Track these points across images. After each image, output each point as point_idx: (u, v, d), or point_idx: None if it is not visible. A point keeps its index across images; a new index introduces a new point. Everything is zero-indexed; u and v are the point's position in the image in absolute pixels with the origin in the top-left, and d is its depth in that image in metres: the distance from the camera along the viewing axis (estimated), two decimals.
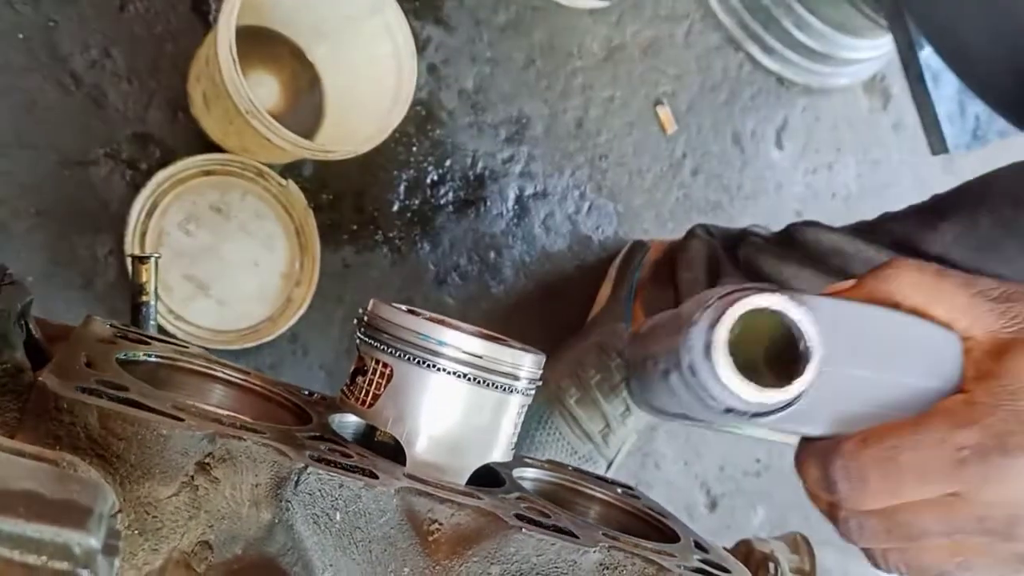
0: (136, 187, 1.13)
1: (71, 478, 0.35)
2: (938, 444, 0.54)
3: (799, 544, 0.96)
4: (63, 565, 0.33)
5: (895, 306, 0.57)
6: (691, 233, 1.32)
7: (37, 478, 0.35)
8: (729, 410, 0.55)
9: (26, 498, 0.33)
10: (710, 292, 0.56)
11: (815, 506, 0.63)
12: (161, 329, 0.85)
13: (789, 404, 0.54)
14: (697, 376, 0.54)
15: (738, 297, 0.54)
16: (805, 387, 0.53)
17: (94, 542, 0.33)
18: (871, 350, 0.56)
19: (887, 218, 1.15)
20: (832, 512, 0.59)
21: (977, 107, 1.57)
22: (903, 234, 1.09)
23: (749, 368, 0.54)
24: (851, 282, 0.60)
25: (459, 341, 0.61)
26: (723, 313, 0.53)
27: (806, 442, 0.59)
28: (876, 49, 1.66)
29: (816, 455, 0.58)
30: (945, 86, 1.55)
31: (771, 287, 0.54)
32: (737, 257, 1.23)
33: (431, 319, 0.62)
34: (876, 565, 0.60)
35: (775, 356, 0.54)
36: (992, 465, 0.53)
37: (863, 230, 1.16)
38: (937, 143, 1.56)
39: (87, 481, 0.35)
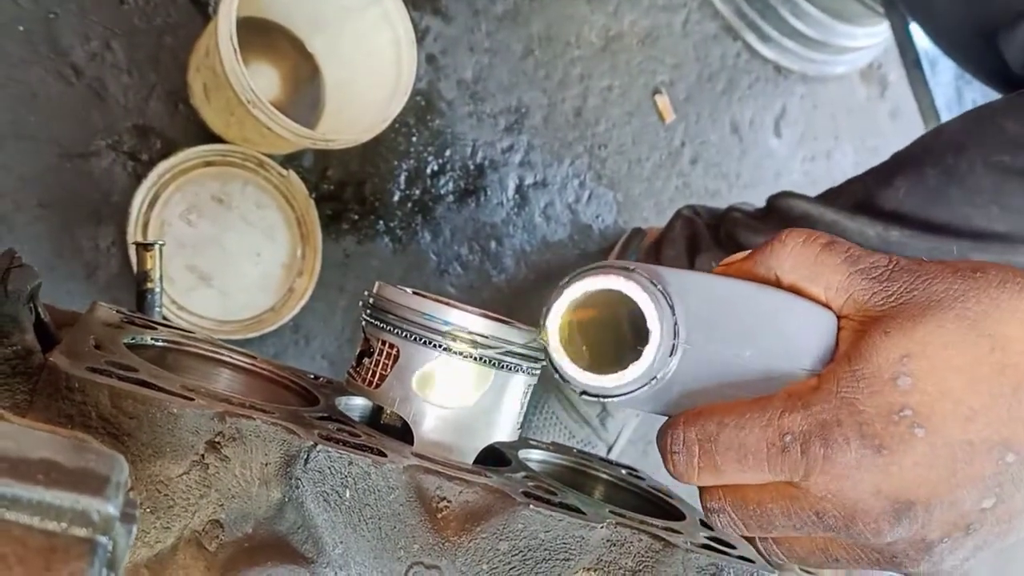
0: (138, 178, 1.13)
1: (87, 448, 0.36)
2: (764, 426, 0.50)
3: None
4: (82, 531, 0.33)
5: (775, 282, 0.54)
6: (677, 213, 1.33)
7: (54, 448, 0.35)
8: (583, 392, 0.52)
9: (45, 466, 0.34)
10: (570, 272, 0.52)
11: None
12: (165, 319, 0.86)
13: (640, 387, 0.50)
14: (549, 356, 0.52)
15: (578, 278, 0.51)
16: (643, 371, 0.49)
17: (112, 509, 0.33)
18: (733, 328, 0.52)
19: (851, 180, 1.17)
20: (700, 499, 0.56)
21: (974, 93, 1.58)
22: (863, 194, 1.11)
23: (616, 345, 0.52)
24: (744, 254, 0.56)
25: (464, 321, 0.61)
26: (559, 296, 0.51)
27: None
28: (873, 37, 1.67)
29: (661, 430, 0.54)
30: (942, 73, 1.56)
31: (624, 265, 0.50)
32: (719, 234, 1.24)
33: (436, 300, 0.63)
34: (763, 557, 0.56)
35: (642, 334, 0.50)
36: (813, 456, 0.49)
37: (829, 195, 1.17)
38: None
39: (103, 451, 0.36)
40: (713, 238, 1.25)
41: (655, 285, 0.50)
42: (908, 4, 1.11)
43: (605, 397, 0.51)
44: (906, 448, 0.48)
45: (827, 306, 0.54)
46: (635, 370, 0.50)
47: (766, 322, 0.53)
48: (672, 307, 0.49)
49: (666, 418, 0.55)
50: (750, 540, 0.56)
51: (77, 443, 0.36)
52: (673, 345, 0.49)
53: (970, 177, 1.01)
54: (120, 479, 0.35)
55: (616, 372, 0.50)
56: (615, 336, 0.53)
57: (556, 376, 0.53)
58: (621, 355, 0.51)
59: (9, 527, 0.32)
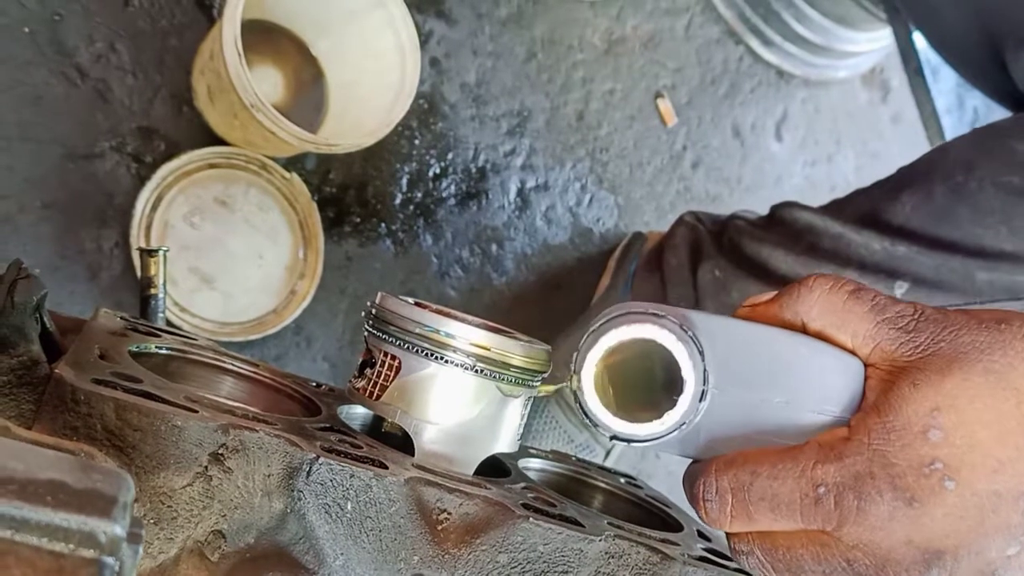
0: (141, 180, 1.14)
1: (94, 468, 0.36)
2: (797, 477, 0.51)
3: None
4: (89, 553, 0.34)
5: (801, 328, 0.55)
6: (680, 220, 1.33)
7: (61, 468, 0.35)
8: (613, 437, 0.53)
9: (52, 487, 0.34)
10: (604, 313, 0.53)
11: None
12: (167, 322, 0.86)
13: (669, 433, 0.52)
14: (579, 400, 0.53)
15: (613, 325, 0.52)
16: (678, 420, 0.51)
17: (119, 530, 0.34)
18: (762, 375, 0.53)
19: (857, 193, 1.17)
20: (727, 540, 0.57)
21: (975, 100, 1.58)
22: (868, 208, 1.11)
23: (645, 389, 0.53)
24: (769, 295, 0.57)
25: (466, 334, 0.61)
26: (594, 343, 0.52)
27: (693, 461, 0.57)
28: (875, 42, 1.67)
29: (690, 474, 0.55)
30: (944, 79, 1.56)
31: (657, 311, 0.51)
32: (722, 241, 1.25)
33: (438, 312, 0.63)
34: None
35: (672, 377, 0.51)
36: (847, 508, 0.50)
37: (833, 207, 1.18)
38: (936, 135, 1.57)
39: (110, 471, 0.36)
40: (715, 245, 1.25)
41: (686, 331, 0.51)
42: (915, 17, 1.11)
43: (635, 442, 0.53)
44: (937, 500, 0.49)
45: (853, 353, 0.54)
46: (670, 418, 0.51)
47: (795, 368, 0.54)
48: (702, 353, 0.50)
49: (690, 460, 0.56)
50: None
51: (84, 462, 0.37)
52: (703, 391, 0.51)
53: (979, 196, 1.01)
54: (127, 499, 0.35)
55: (650, 421, 0.51)
56: (642, 379, 0.54)
57: (586, 420, 0.53)
58: (648, 398, 0.52)
59: (18, 548, 0.33)
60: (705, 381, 0.50)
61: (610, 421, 0.52)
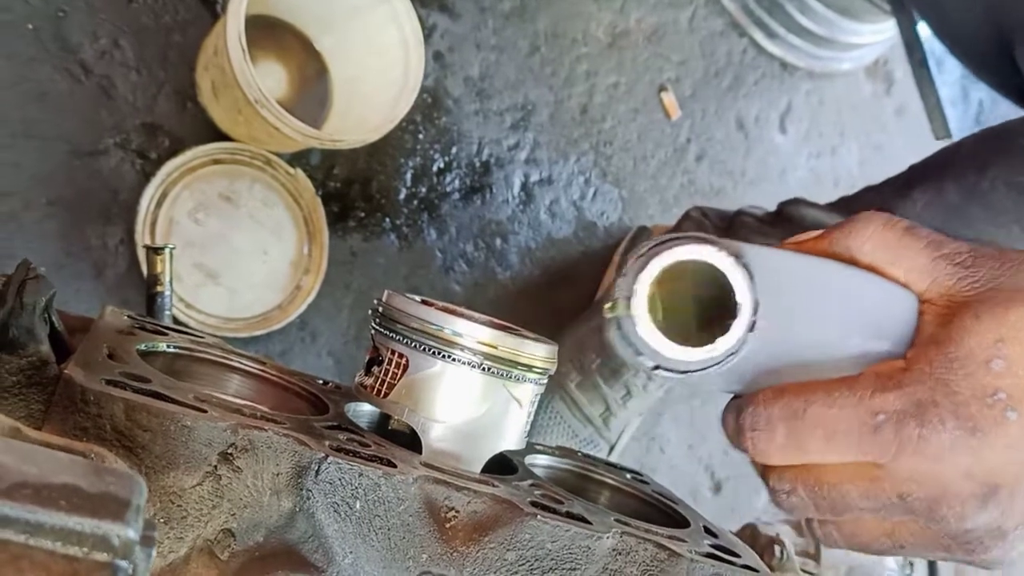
0: (146, 176, 1.14)
1: (107, 471, 0.36)
2: (854, 405, 0.50)
3: (803, 527, 0.97)
4: (103, 556, 0.34)
5: (853, 261, 0.54)
6: (686, 215, 1.33)
7: (74, 471, 0.36)
8: (657, 367, 0.50)
9: (66, 491, 0.34)
10: (646, 242, 0.51)
11: (757, 474, 0.58)
12: (173, 318, 0.87)
13: (719, 362, 0.49)
14: (622, 330, 0.50)
15: (666, 247, 0.50)
16: (731, 345, 0.49)
17: (132, 534, 0.34)
18: (813, 307, 0.52)
19: (867, 190, 1.17)
20: (764, 480, 0.56)
21: (980, 92, 1.58)
22: (879, 205, 1.11)
23: (686, 320, 0.51)
24: (815, 233, 0.56)
25: (474, 331, 0.62)
26: (647, 263, 0.49)
27: (734, 396, 0.55)
28: (879, 34, 1.66)
29: (734, 405, 0.54)
30: (949, 71, 1.56)
31: (707, 236, 0.49)
32: (729, 237, 1.25)
33: (445, 309, 0.63)
34: (811, 535, 0.57)
35: (716, 307, 0.49)
36: (907, 436, 0.49)
37: (842, 204, 1.18)
38: (940, 128, 1.57)
39: (122, 474, 0.36)
40: None
41: (739, 259, 0.49)
42: (920, 8, 1.11)
43: (681, 372, 0.50)
44: (999, 431, 0.49)
45: (906, 287, 0.54)
46: (723, 344, 0.49)
47: (847, 300, 0.53)
48: (753, 280, 0.49)
49: (731, 395, 0.54)
50: (806, 523, 0.56)
51: (97, 466, 0.37)
52: (753, 321, 0.48)
53: (992, 196, 1.01)
54: (140, 502, 0.36)
55: (703, 346, 0.49)
56: (685, 309, 0.52)
57: (625, 349, 0.51)
58: (690, 328, 0.50)
59: (32, 553, 0.33)
60: (755, 311, 0.48)
61: (662, 346, 0.49)
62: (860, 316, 0.53)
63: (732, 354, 0.49)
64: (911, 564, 1.00)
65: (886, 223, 0.54)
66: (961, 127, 1.62)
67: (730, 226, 1.26)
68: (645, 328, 0.50)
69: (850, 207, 1.15)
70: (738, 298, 0.48)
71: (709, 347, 0.49)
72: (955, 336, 0.50)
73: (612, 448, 1.33)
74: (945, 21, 1.09)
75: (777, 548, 0.91)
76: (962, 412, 0.49)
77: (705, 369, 0.50)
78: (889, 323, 0.53)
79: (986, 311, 0.50)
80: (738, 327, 0.48)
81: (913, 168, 1.12)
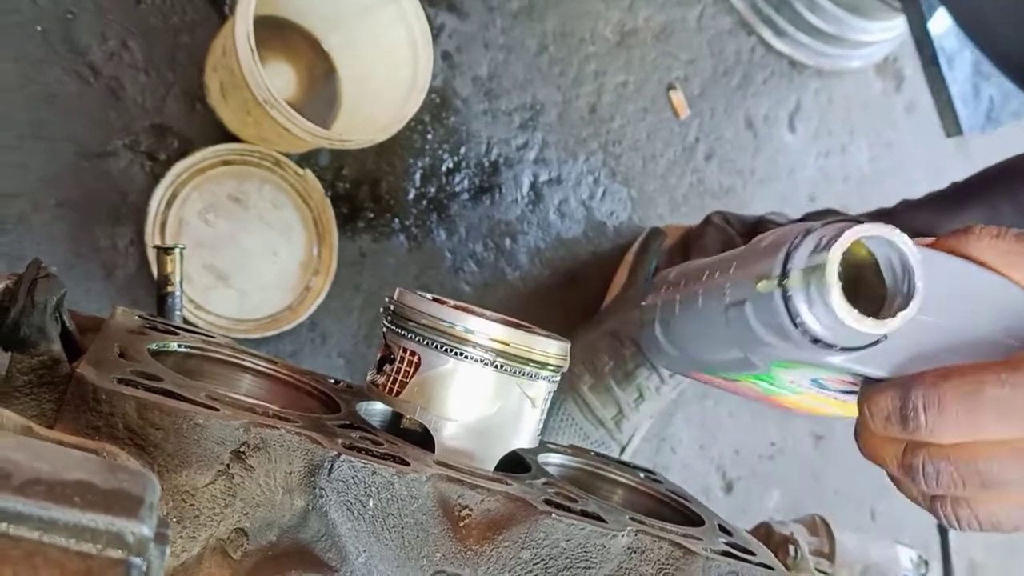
0: (155, 178, 1.14)
1: (120, 468, 0.36)
2: None
3: (818, 526, 0.97)
4: (117, 553, 0.34)
5: None
6: (708, 220, 1.32)
7: (88, 468, 0.35)
8: (816, 340, 0.53)
9: (79, 488, 0.34)
10: (799, 225, 0.55)
11: (878, 462, 0.61)
12: (183, 319, 0.86)
13: (877, 341, 0.53)
14: (791, 302, 0.53)
15: (849, 225, 0.53)
16: (904, 322, 0.52)
17: (146, 530, 0.34)
18: (956, 300, 0.56)
19: (906, 206, 1.15)
20: (903, 461, 0.58)
21: (991, 89, 1.57)
22: (924, 223, 1.09)
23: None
24: (928, 240, 0.58)
25: (486, 329, 0.61)
26: (838, 236, 0.52)
27: (873, 382, 0.58)
28: (888, 31, 1.66)
29: (893, 387, 0.56)
30: (959, 68, 1.55)
31: (881, 223, 0.54)
32: None
33: (457, 307, 0.63)
34: (944, 521, 0.59)
35: (851, 292, 0.53)
36: None
37: (880, 217, 1.16)
38: (951, 125, 1.56)
39: (136, 471, 0.36)
40: None
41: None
42: (961, 20, 1.09)
43: (845, 348, 0.54)
44: None
45: None
46: (901, 319, 0.52)
47: (987, 297, 0.57)
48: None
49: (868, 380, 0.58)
50: (934, 506, 0.59)
51: (110, 463, 0.37)
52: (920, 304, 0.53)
53: None
54: (153, 499, 0.35)
55: (885, 319, 0.52)
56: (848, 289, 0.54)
57: (782, 320, 0.54)
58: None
59: (46, 550, 0.33)
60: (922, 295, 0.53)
61: (849, 314, 0.52)
62: (994, 312, 0.57)
63: (897, 331, 0.53)
64: (926, 564, 0.99)
65: (999, 234, 0.57)
66: (972, 124, 1.61)
67: (753, 232, 1.25)
68: (837, 296, 0.52)
69: (889, 222, 1.13)
70: (916, 280, 0.53)
71: (886, 321, 0.52)
72: None
73: (623, 449, 1.32)
74: (990, 33, 1.07)
75: (791, 547, 0.90)
76: None
77: (862, 348, 0.54)
78: (1019, 322, 0.57)
79: None
80: (914, 306, 0.52)
81: (959, 186, 1.10)
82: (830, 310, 0.52)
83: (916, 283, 0.53)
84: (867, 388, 0.58)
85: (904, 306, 0.53)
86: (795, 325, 0.53)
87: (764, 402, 0.72)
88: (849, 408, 0.64)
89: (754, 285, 0.55)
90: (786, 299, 0.53)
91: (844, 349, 0.54)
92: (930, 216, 1.10)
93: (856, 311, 0.52)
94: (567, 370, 0.66)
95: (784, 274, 0.54)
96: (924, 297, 0.53)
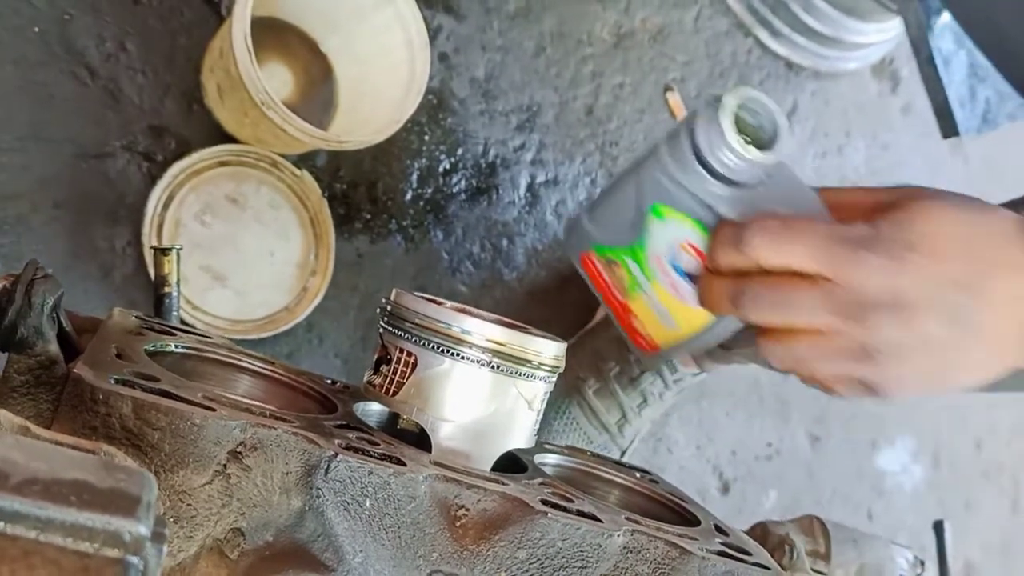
0: (152, 179, 1.14)
1: (117, 467, 0.36)
2: (826, 231, 0.66)
3: (814, 526, 0.97)
4: (114, 552, 0.34)
5: None
6: None
7: (85, 468, 0.36)
8: (706, 165, 0.70)
9: (76, 487, 0.34)
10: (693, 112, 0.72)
11: (713, 307, 0.73)
12: (180, 320, 0.87)
13: (749, 184, 0.70)
14: (695, 132, 0.69)
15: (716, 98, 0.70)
16: (779, 157, 0.69)
17: (143, 529, 0.34)
18: (794, 195, 0.71)
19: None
20: (733, 291, 0.69)
21: (987, 91, 1.57)
22: None
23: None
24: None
25: (482, 329, 0.61)
26: (728, 94, 0.69)
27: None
28: (884, 33, 1.66)
29: (738, 222, 0.69)
30: (955, 69, 1.55)
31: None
32: None
33: (454, 308, 0.63)
34: (767, 354, 0.71)
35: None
36: (856, 256, 0.64)
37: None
38: (947, 126, 1.56)
39: (133, 470, 0.36)
40: None
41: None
42: (971, 29, 1.08)
43: (729, 181, 0.70)
44: (911, 268, 0.66)
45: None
46: (778, 152, 0.69)
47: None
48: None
49: None
50: (759, 340, 0.71)
51: (107, 462, 0.37)
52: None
53: None
54: (150, 499, 0.35)
55: (765, 152, 0.69)
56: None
57: (688, 147, 0.70)
58: None
59: (43, 549, 0.33)
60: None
61: (740, 143, 0.68)
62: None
63: (772, 168, 0.70)
64: (922, 564, 1.00)
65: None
66: (968, 125, 1.61)
67: None
68: (728, 124, 0.68)
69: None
70: (781, 125, 0.69)
71: (767, 152, 0.69)
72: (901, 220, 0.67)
73: (623, 453, 1.33)
74: (1003, 41, 1.06)
75: (787, 547, 0.90)
76: (894, 252, 0.65)
77: (753, 185, 0.70)
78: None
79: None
80: (784, 141, 0.69)
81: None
82: (723, 138, 0.68)
83: (781, 132, 0.69)
84: (719, 224, 0.71)
85: (771, 145, 0.69)
86: (694, 151, 0.70)
87: (623, 327, 0.85)
88: (680, 315, 0.78)
89: (666, 139, 0.73)
90: (691, 131, 0.70)
91: (728, 181, 0.70)
92: None
93: (742, 139, 0.68)
94: (574, 375, 0.68)
95: (693, 114, 0.70)
96: (784, 153, 0.69)
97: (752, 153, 0.68)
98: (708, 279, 0.72)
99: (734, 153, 0.68)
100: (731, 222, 0.70)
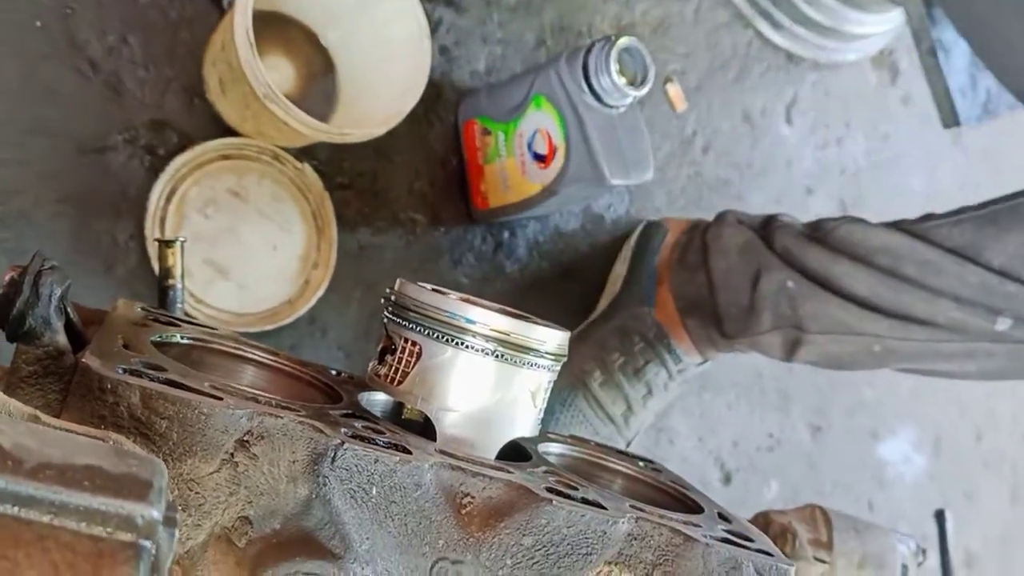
0: (155, 172, 1.14)
1: (129, 453, 0.36)
2: None
3: (816, 515, 0.97)
4: (127, 536, 0.34)
5: None
6: (723, 220, 1.29)
7: (97, 453, 0.36)
8: (589, 86, 1.07)
9: (89, 472, 0.35)
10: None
11: None
12: (184, 312, 0.87)
13: (612, 107, 1.09)
14: (589, 56, 1.06)
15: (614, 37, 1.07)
16: (643, 92, 1.08)
17: (156, 514, 0.34)
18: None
19: (940, 223, 1.12)
20: None
21: (988, 80, 1.58)
22: (964, 241, 1.07)
23: None
24: None
25: (486, 319, 0.62)
26: (622, 37, 1.06)
27: None
28: (884, 24, 1.66)
29: None
30: (956, 59, 1.56)
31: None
32: (775, 249, 1.21)
33: (459, 297, 0.63)
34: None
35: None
36: None
37: (914, 231, 1.13)
38: (948, 116, 1.57)
39: (144, 456, 0.37)
40: (771, 253, 1.21)
41: None
42: (974, 42, 1.08)
43: (596, 94, 1.09)
44: None
45: None
46: (644, 89, 1.10)
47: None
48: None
49: None
50: None
51: (118, 448, 0.37)
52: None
53: None
54: (162, 484, 0.36)
55: (628, 87, 1.10)
56: None
57: (583, 62, 1.10)
58: None
59: (57, 533, 0.33)
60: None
61: (613, 68, 1.06)
62: None
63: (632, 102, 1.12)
64: (923, 552, 1.00)
65: None
66: (969, 115, 1.62)
67: (769, 235, 1.23)
68: (614, 61, 1.06)
69: (926, 237, 1.11)
70: (649, 65, 1.10)
71: (631, 88, 1.08)
72: None
73: (628, 444, 1.33)
74: (1007, 56, 1.05)
75: (789, 536, 0.91)
76: None
77: (610, 107, 1.10)
78: None
79: None
80: (646, 86, 1.09)
81: (997, 208, 1.08)
82: (605, 64, 1.04)
83: (649, 75, 1.07)
84: None
85: (635, 85, 1.07)
86: (583, 66, 1.06)
87: (471, 182, 1.26)
88: (516, 184, 1.19)
89: (569, 53, 1.09)
90: (587, 51, 1.06)
91: (595, 95, 1.07)
92: (968, 235, 1.08)
93: (617, 68, 1.04)
94: (578, 367, 0.68)
95: (591, 44, 1.06)
96: (639, 95, 1.08)
97: (619, 82, 1.04)
98: None
99: (608, 76, 1.04)
100: None
